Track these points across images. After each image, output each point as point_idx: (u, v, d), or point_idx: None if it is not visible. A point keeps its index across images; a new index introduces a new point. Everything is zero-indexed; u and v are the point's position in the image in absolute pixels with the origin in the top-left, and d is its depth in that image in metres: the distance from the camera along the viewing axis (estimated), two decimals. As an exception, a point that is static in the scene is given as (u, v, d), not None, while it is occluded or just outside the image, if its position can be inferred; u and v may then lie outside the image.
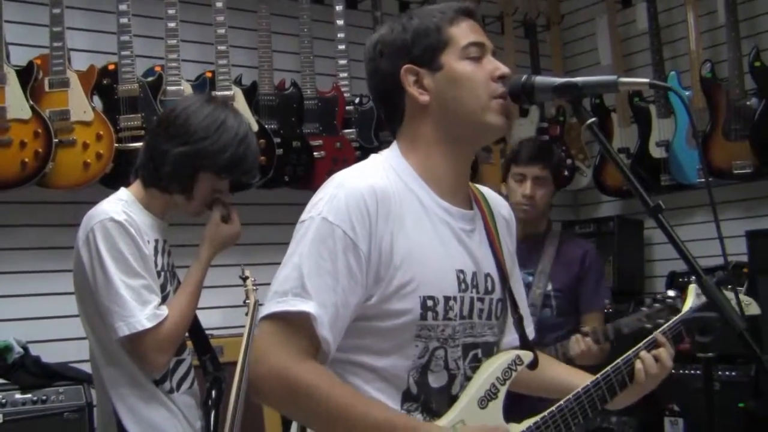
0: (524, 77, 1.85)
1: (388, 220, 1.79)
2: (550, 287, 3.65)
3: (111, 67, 3.94)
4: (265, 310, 1.77)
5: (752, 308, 2.47)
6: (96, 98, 3.92)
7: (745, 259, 4.35)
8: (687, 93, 4.70)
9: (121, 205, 2.59)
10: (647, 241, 5.18)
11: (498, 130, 1.90)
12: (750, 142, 4.40)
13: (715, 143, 4.55)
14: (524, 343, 2.04)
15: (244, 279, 3.47)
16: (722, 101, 4.55)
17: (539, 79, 1.84)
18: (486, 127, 1.89)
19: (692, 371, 4.02)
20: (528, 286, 3.55)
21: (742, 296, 2.40)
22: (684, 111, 4.67)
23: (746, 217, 4.69)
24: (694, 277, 1.63)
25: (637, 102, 5.00)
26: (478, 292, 1.92)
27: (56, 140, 3.72)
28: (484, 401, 1.89)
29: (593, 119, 1.73)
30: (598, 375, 2.06)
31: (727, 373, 4.04)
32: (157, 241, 2.65)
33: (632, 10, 5.37)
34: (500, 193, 2.41)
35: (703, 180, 4.61)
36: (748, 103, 4.47)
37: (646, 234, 5.16)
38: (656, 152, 4.88)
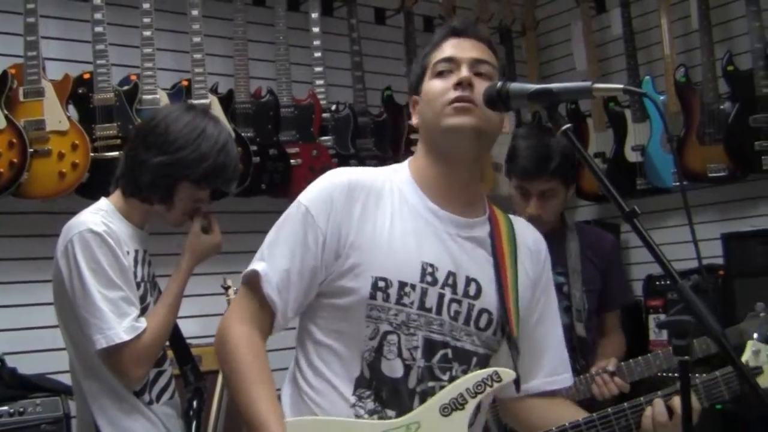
0: (499, 84, 1.87)
1: (353, 205, 1.94)
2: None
3: (86, 76, 3.93)
4: None
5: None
6: (71, 108, 3.90)
7: (721, 261, 4.39)
8: (661, 97, 4.74)
9: (100, 216, 2.58)
10: (624, 244, 5.20)
11: (454, 129, 1.95)
12: (724, 146, 4.44)
13: (689, 147, 4.59)
14: (515, 367, 2.00)
15: (226, 288, 3.45)
16: (696, 105, 4.59)
17: (514, 85, 1.85)
18: (443, 130, 1.96)
19: (670, 374, 4.03)
20: (559, 287, 3.08)
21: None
22: (659, 116, 4.71)
23: (722, 220, 4.72)
24: (671, 282, 1.64)
25: (612, 107, 5.04)
26: (454, 293, 1.96)
27: (31, 150, 3.70)
28: (448, 409, 1.89)
29: (568, 125, 1.74)
30: (594, 414, 1.98)
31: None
32: (137, 251, 2.64)
33: (607, 16, 5.41)
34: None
35: (678, 183, 4.65)
36: (721, 107, 4.50)
37: (623, 238, 5.19)
38: (632, 156, 4.91)
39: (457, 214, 2.00)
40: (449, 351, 1.95)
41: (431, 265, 1.93)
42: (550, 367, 2.13)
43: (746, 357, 2.19)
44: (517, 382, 2.00)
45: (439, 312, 1.93)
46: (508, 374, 1.93)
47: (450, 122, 1.95)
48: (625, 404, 1.99)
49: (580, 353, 3.28)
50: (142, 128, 2.73)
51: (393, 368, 1.90)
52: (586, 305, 3.29)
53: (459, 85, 1.95)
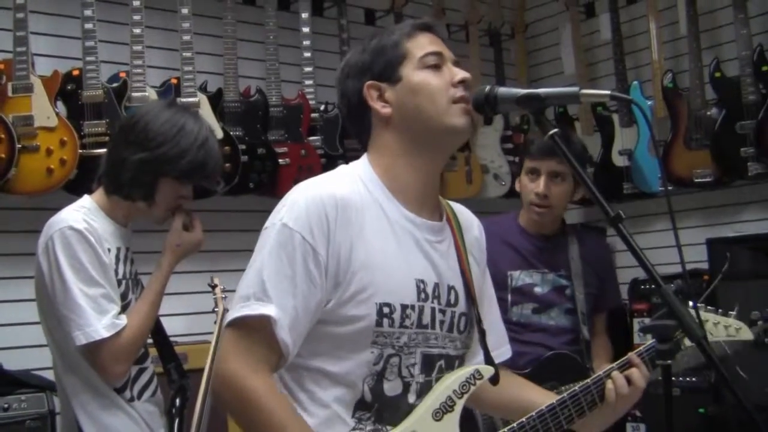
0: (488, 88, 1.88)
1: (348, 227, 1.83)
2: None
3: (75, 72, 3.92)
4: (229, 316, 1.83)
5: (744, 333, 2.44)
6: (60, 104, 3.90)
7: (706, 266, 4.41)
8: (649, 103, 4.77)
9: (82, 213, 2.58)
10: (610, 248, 5.22)
11: (460, 131, 1.94)
12: (710, 151, 4.47)
13: (676, 152, 4.61)
14: (487, 359, 2.04)
15: (213, 287, 3.46)
16: (683, 111, 4.61)
17: (502, 90, 1.87)
18: (448, 129, 1.92)
19: (653, 377, 4.05)
20: (562, 289, 3.36)
21: (732, 320, 2.40)
22: (645, 122, 4.73)
23: (707, 225, 4.75)
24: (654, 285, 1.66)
25: (600, 111, 5.06)
26: (439, 304, 1.94)
27: (19, 146, 3.69)
28: (440, 413, 1.90)
29: (555, 130, 1.76)
30: (564, 394, 2.06)
31: (687, 379, 4.09)
32: (119, 248, 2.64)
33: (595, 21, 5.43)
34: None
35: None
36: (708, 112, 4.53)
37: (609, 241, 5.19)
38: (619, 161, 4.94)
39: (428, 218, 1.97)
40: (442, 361, 1.95)
41: (422, 281, 1.91)
42: (493, 341, 2.13)
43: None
44: (496, 376, 2.00)
45: (432, 326, 1.92)
46: (488, 370, 1.97)
47: (458, 122, 1.91)
48: (589, 381, 2.09)
49: (587, 355, 3.34)
50: (122, 126, 2.73)
51: (393, 387, 1.88)
52: (586, 308, 3.37)
53: (461, 83, 1.92)
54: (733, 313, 2.44)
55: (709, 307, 2.40)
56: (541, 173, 3.28)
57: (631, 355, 2.15)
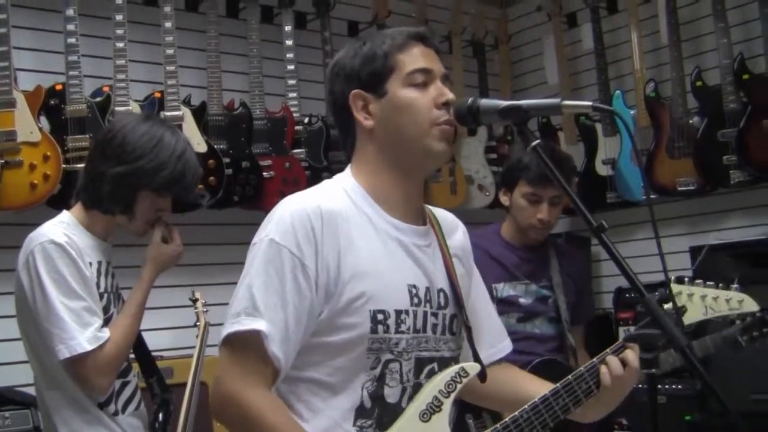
0: (470, 100, 1.89)
1: (335, 238, 1.83)
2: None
3: (58, 87, 3.91)
4: (221, 335, 1.83)
5: (747, 304, 2.40)
6: (43, 119, 3.88)
7: (689, 274, 4.42)
8: (632, 112, 4.80)
9: (62, 228, 2.57)
10: (594, 257, 5.25)
11: (438, 155, 1.95)
12: (693, 160, 4.50)
13: (659, 161, 4.64)
14: (475, 357, 2.05)
15: (194, 301, 3.45)
16: (666, 120, 4.64)
17: (485, 101, 1.88)
18: (426, 152, 1.93)
19: (640, 385, 4.06)
20: (545, 299, 3.41)
21: (733, 293, 2.38)
22: (626, 133, 4.76)
23: (690, 233, 4.77)
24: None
25: (583, 121, 5.08)
26: (431, 307, 1.95)
27: (2, 161, 3.67)
28: (427, 414, 1.90)
29: (537, 141, 1.77)
30: (558, 384, 2.04)
31: (673, 386, 4.10)
32: (99, 262, 2.63)
33: (578, 31, 5.46)
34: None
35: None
36: (690, 121, 4.56)
37: (593, 250, 5.23)
38: (602, 170, 4.96)
39: (413, 224, 1.99)
40: (435, 364, 1.96)
41: (414, 287, 1.92)
42: (490, 338, 2.16)
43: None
44: (482, 373, 2.00)
45: (425, 330, 1.93)
46: (473, 367, 1.97)
47: (436, 147, 1.92)
48: (582, 368, 2.05)
49: (574, 361, 3.39)
50: (99, 140, 2.73)
51: (394, 394, 1.89)
52: (569, 317, 3.42)
53: (445, 105, 1.92)
54: (735, 285, 2.40)
55: (708, 282, 2.38)
56: (543, 200, 3.33)
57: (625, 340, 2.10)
